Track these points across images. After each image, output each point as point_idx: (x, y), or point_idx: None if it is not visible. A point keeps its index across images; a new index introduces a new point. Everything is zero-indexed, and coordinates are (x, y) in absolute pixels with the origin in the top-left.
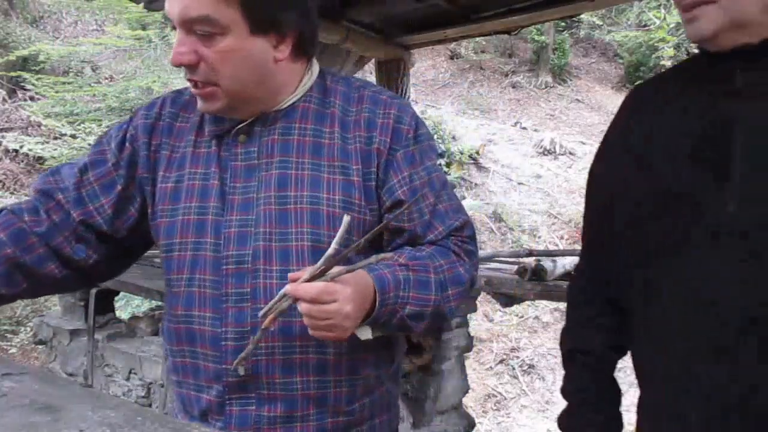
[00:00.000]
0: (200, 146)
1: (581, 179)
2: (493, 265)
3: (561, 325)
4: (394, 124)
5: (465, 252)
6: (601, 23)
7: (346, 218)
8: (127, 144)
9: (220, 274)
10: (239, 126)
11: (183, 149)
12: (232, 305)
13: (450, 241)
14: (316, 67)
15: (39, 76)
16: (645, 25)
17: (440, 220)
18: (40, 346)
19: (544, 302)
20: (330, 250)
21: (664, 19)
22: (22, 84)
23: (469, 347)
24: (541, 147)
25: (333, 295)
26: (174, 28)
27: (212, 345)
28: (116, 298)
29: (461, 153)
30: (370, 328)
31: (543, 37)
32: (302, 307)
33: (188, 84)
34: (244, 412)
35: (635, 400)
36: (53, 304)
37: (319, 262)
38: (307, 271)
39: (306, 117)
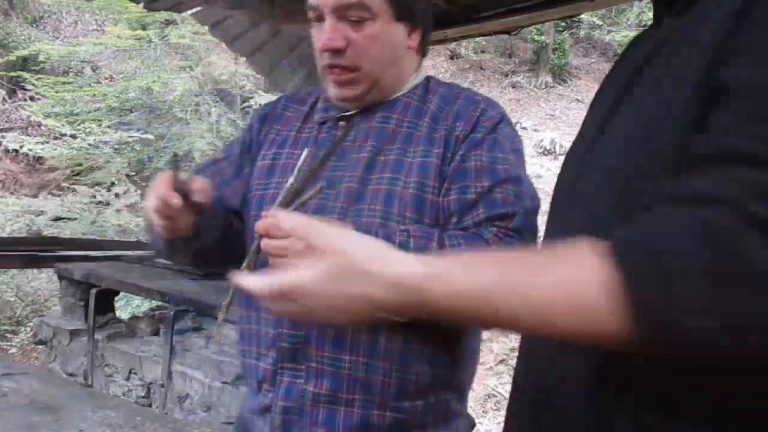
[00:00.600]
0: (303, 131)
1: None
2: None
3: None
4: (478, 116)
5: (503, 244)
6: (601, 23)
7: (306, 150)
8: (246, 133)
9: None
10: (343, 114)
11: (287, 132)
12: None
13: (487, 230)
14: (423, 71)
15: (39, 76)
16: (645, 25)
17: (487, 205)
18: (40, 346)
19: None
20: (287, 184)
21: None
22: (22, 84)
23: None
24: (541, 147)
25: (282, 230)
26: (319, 19)
27: None
28: (116, 298)
29: None
30: None
31: (543, 37)
32: (263, 243)
33: (327, 72)
34: (293, 385)
35: None
36: (53, 304)
37: (279, 198)
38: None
39: (406, 111)
